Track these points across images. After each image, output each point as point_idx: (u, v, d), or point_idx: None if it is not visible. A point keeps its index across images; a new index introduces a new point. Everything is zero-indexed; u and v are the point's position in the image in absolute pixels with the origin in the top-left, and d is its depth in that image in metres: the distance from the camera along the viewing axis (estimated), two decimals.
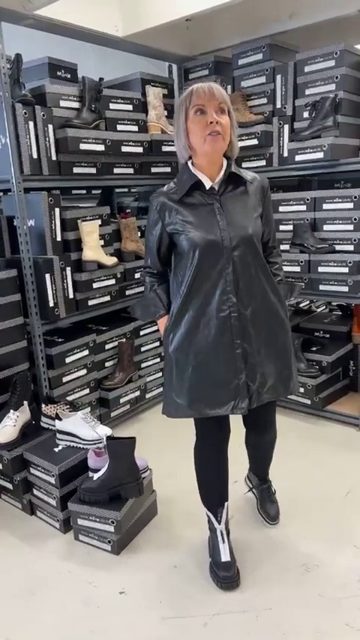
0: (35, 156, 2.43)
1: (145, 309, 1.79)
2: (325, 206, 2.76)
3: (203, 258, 1.59)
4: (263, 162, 2.95)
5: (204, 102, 1.54)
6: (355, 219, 2.65)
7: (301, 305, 3.99)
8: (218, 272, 1.60)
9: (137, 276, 2.97)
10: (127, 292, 3.00)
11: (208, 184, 1.63)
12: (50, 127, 2.47)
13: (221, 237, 1.58)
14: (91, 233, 2.63)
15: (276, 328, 1.71)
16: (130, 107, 2.91)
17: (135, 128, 2.91)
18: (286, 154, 2.82)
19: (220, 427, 1.79)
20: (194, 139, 1.58)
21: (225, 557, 1.83)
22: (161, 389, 3.33)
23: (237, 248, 1.60)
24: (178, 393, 1.69)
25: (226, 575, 1.80)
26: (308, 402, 2.97)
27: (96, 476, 2.05)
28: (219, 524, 1.86)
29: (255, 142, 2.88)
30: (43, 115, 2.43)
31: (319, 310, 3.85)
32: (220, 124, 1.55)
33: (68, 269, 2.58)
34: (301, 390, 2.97)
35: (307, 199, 2.82)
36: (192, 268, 1.61)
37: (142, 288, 3.05)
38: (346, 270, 2.66)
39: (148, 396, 3.22)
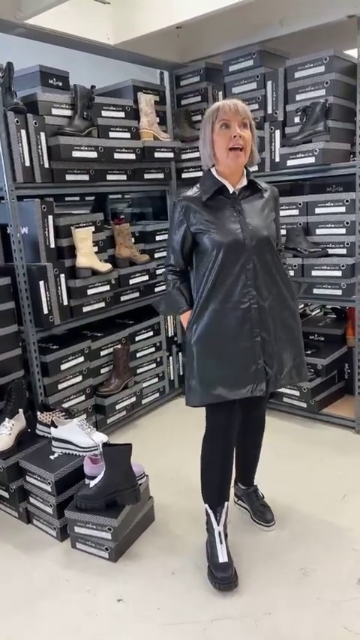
0: (28, 164, 2.44)
1: (169, 304, 1.92)
2: (318, 210, 2.78)
3: (226, 256, 1.73)
4: (255, 168, 2.96)
5: (229, 117, 1.70)
6: (347, 223, 2.67)
7: None
8: (240, 268, 1.74)
9: (137, 281, 2.97)
10: (122, 298, 3.01)
11: (231, 189, 1.78)
12: (42, 134, 2.48)
13: (243, 237, 1.73)
14: (84, 240, 2.63)
15: (289, 319, 1.86)
16: (122, 114, 2.92)
17: (127, 135, 2.92)
18: (277, 159, 2.84)
19: (231, 417, 1.85)
20: (219, 150, 1.74)
21: (223, 558, 1.84)
22: (157, 394, 3.34)
23: (256, 247, 1.74)
24: (200, 380, 1.80)
25: (224, 577, 1.81)
26: (304, 405, 2.98)
27: (92, 483, 2.04)
28: (218, 524, 1.87)
29: None
30: (35, 123, 2.44)
31: (313, 314, 3.86)
32: (242, 137, 1.71)
33: (62, 276, 2.58)
34: (297, 393, 2.98)
35: (300, 204, 2.84)
36: (216, 265, 1.74)
37: (136, 294, 3.09)
38: (339, 273, 2.68)
39: (144, 402, 3.22)
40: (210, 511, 1.89)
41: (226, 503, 1.89)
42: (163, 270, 1.96)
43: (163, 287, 3.00)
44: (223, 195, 1.78)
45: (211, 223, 1.75)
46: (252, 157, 1.80)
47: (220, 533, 1.87)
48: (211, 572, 1.85)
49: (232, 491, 1.90)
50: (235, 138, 1.70)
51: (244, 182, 1.81)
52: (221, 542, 1.86)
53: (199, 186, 1.82)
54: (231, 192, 1.78)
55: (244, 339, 1.77)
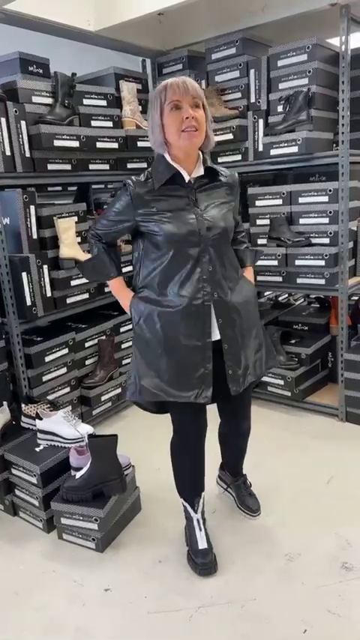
0: (8, 153, 2.40)
1: (96, 268, 1.81)
2: (301, 200, 2.79)
3: (179, 249, 1.62)
4: (239, 157, 2.96)
5: (179, 97, 1.56)
6: (330, 212, 2.68)
7: (280, 298, 4.02)
8: (194, 262, 1.63)
9: None
10: (106, 289, 2.99)
11: (187, 178, 1.66)
12: (23, 123, 2.44)
13: (197, 228, 1.62)
14: (67, 230, 2.61)
15: (249, 312, 1.77)
16: (104, 102, 2.88)
17: (109, 124, 2.88)
18: (261, 149, 2.84)
19: (197, 420, 1.81)
20: (170, 135, 1.60)
21: (202, 544, 1.86)
22: None
23: (212, 239, 1.64)
24: (144, 375, 1.70)
25: (203, 562, 1.83)
26: (288, 394, 3.00)
27: (78, 474, 2.04)
28: (195, 512, 1.89)
29: (230, 136, 2.88)
30: (16, 112, 2.40)
31: (297, 303, 3.89)
32: (195, 118, 1.57)
33: (45, 267, 2.55)
34: (281, 382, 3.00)
35: (283, 193, 2.84)
36: (167, 258, 1.64)
37: None
38: (322, 262, 2.69)
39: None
40: (186, 503, 1.90)
41: (202, 493, 1.90)
42: (89, 234, 1.84)
43: None
44: (178, 184, 1.65)
45: (164, 213, 1.62)
46: (207, 140, 1.66)
47: (198, 521, 1.89)
48: (190, 557, 1.87)
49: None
50: (187, 119, 1.55)
51: (201, 170, 1.67)
52: (200, 529, 1.88)
53: (150, 172, 1.68)
54: (186, 180, 1.65)
55: (195, 339, 1.65)
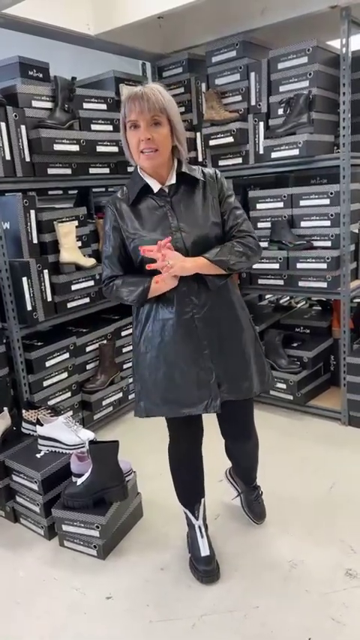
0: (8, 157, 2.39)
1: (131, 289, 1.62)
2: (302, 203, 2.77)
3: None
4: (239, 160, 2.95)
5: (136, 117, 1.50)
6: (331, 215, 2.67)
7: (281, 301, 4.01)
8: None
9: None
10: (106, 295, 2.97)
11: (156, 188, 1.60)
12: (23, 127, 2.43)
13: (174, 240, 1.56)
14: (68, 234, 2.60)
15: (236, 325, 1.69)
16: (104, 106, 2.87)
17: (109, 127, 2.88)
18: (261, 152, 2.83)
19: (192, 428, 1.80)
20: (132, 152, 1.57)
21: (204, 551, 1.84)
22: None
23: (193, 249, 1.57)
24: (152, 392, 1.69)
25: (206, 570, 1.81)
26: (290, 397, 2.98)
27: (79, 481, 2.02)
28: (197, 519, 1.87)
29: (230, 139, 2.87)
30: (15, 116, 2.39)
31: (299, 306, 3.88)
32: (153, 139, 1.51)
33: (46, 271, 2.54)
34: (283, 386, 2.99)
35: (284, 196, 2.83)
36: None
37: None
38: (324, 265, 2.68)
39: (130, 397, 3.20)
40: (186, 510, 1.89)
41: (202, 499, 1.88)
42: (103, 288, 1.71)
43: None
44: (151, 195, 1.60)
45: (139, 228, 1.58)
46: (178, 152, 1.60)
47: (200, 527, 1.87)
48: (193, 564, 1.86)
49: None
50: (142, 142, 1.50)
51: (174, 178, 1.60)
52: (202, 536, 1.86)
53: (127, 186, 1.65)
54: (156, 190, 1.59)
55: (191, 352, 1.62)
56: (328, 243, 2.71)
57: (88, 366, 2.97)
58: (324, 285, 2.74)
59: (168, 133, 1.54)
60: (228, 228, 1.66)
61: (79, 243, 2.72)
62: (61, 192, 3.40)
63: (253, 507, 2.09)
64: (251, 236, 1.67)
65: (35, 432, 2.26)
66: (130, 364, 3.21)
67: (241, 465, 2.03)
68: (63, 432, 2.19)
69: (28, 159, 2.48)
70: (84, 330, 2.97)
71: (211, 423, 1.85)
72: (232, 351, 1.68)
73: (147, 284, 1.57)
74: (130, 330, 3.19)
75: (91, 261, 2.74)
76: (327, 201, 2.68)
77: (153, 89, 1.52)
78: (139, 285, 1.60)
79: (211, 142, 2.94)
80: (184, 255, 1.56)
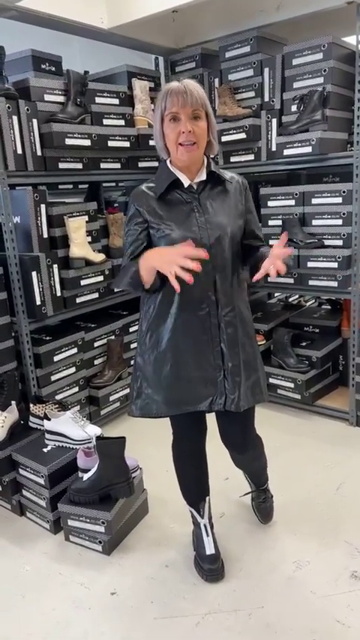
0: (20, 151, 2.39)
1: (123, 273, 1.61)
2: (314, 201, 2.75)
3: None
4: (251, 157, 2.93)
5: (177, 109, 1.51)
6: (343, 214, 2.65)
7: (291, 300, 3.99)
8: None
9: None
10: (116, 289, 2.97)
11: (186, 183, 1.60)
12: (35, 121, 2.43)
13: (200, 236, 1.56)
14: (78, 229, 2.59)
15: (247, 330, 1.70)
16: (116, 101, 2.86)
17: (121, 122, 2.87)
18: (274, 148, 2.80)
19: (195, 426, 1.79)
20: (170, 144, 1.57)
21: (210, 550, 1.84)
22: None
23: (215, 246, 1.58)
24: (156, 390, 1.68)
25: (211, 568, 1.81)
26: (298, 397, 2.97)
27: (86, 476, 2.03)
28: (202, 517, 1.86)
29: (243, 135, 2.85)
30: (27, 110, 2.38)
31: (308, 305, 3.85)
32: (193, 132, 1.52)
33: (55, 266, 2.54)
34: (291, 385, 2.97)
35: (296, 194, 2.81)
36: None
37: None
38: (335, 265, 2.65)
39: None
40: (191, 508, 1.88)
41: (207, 497, 1.87)
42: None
43: None
44: (180, 190, 1.60)
45: (166, 221, 1.58)
46: (210, 147, 1.62)
47: (205, 526, 1.86)
48: (197, 562, 1.85)
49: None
50: (184, 134, 1.51)
51: (204, 175, 1.61)
52: (207, 535, 1.86)
53: (154, 179, 1.64)
54: (186, 185, 1.59)
55: (203, 348, 1.62)
56: (340, 242, 2.68)
57: (96, 362, 2.97)
58: (334, 284, 2.71)
59: (206, 127, 1.56)
60: (247, 234, 1.70)
61: (89, 239, 2.71)
62: (71, 186, 3.41)
63: (261, 508, 2.08)
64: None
65: (42, 426, 2.27)
66: None
67: (246, 470, 2.02)
68: (70, 426, 2.19)
69: (39, 153, 2.48)
70: (92, 326, 2.97)
71: (215, 422, 1.84)
72: (246, 356, 1.68)
73: (135, 267, 1.54)
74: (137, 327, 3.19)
75: (101, 257, 2.74)
76: (339, 200, 2.66)
77: (194, 84, 1.54)
78: (131, 268, 1.56)
79: (224, 138, 2.92)
80: (207, 252, 1.53)
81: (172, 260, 1.39)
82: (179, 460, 1.86)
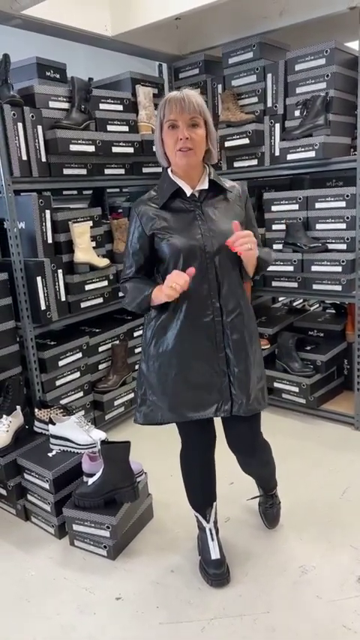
0: (25, 157, 2.41)
1: (133, 294, 1.66)
2: (318, 205, 2.75)
3: (185, 264, 1.57)
4: (255, 162, 2.94)
5: (175, 117, 1.54)
6: (347, 218, 2.65)
7: (295, 304, 3.99)
8: (200, 277, 1.58)
9: None
10: (120, 294, 2.98)
11: (188, 192, 1.63)
12: (39, 128, 2.44)
13: (203, 243, 1.58)
14: (82, 235, 2.61)
15: (252, 335, 1.71)
16: (120, 107, 2.88)
17: (125, 128, 2.89)
18: (277, 153, 2.81)
19: (204, 433, 1.78)
20: (168, 151, 1.60)
21: (215, 554, 1.83)
22: None
23: (219, 254, 1.59)
24: (160, 397, 1.68)
25: (216, 573, 1.80)
26: (303, 401, 2.96)
27: (90, 481, 2.03)
28: (207, 522, 1.86)
29: (246, 141, 2.86)
30: (32, 116, 2.40)
31: (312, 309, 3.85)
32: (191, 139, 1.54)
33: (60, 271, 2.55)
34: (296, 389, 2.97)
35: (300, 198, 2.81)
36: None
37: None
38: (339, 269, 2.65)
39: None
40: (197, 513, 1.88)
41: (213, 503, 1.87)
42: (121, 284, 1.74)
43: None
44: (182, 198, 1.62)
45: (170, 229, 1.60)
46: (209, 156, 1.64)
47: (210, 530, 1.86)
48: (203, 567, 1.85)
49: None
50: (181, 140, 1.54)
51: (205, 184, 1.63)
52: (212, 539, 1.85)
53: (156, 189, 1.67)
54: (189, 194, 1.62)
55: (207, 355, 1.63)
56: (344, 246, 2.69)
57: (101, 366, 2.98)
58: (338, 288, 2.71)
59: (204, 135, 1.58)
60: None
61: (94, 244, 2.72)
62: (75, 192, 3.42)
63: (268, 514, 2.08)
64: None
65: (47, 431, 2.27)
66: None
67: (254, 476, 2.01)
68: (75, 431, 2.19)
69: (44, 159, 2.49)
70: (97, 330, 2.98)
71: (222, 426, 1.84)
72: (252, 361, 1.69)
73: (148, 291, 1.60)
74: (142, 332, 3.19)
75: (105, 262, 2.75)
76: (343, 204, 2.66)
77: (193, 93, 1.57)
78: (142, 291, 1.62)
79: (227, 144, 2.93)
80: (210, 260, 1.59)
81: (175, 294, 1.51)
82: (188, 469, 1.85)
